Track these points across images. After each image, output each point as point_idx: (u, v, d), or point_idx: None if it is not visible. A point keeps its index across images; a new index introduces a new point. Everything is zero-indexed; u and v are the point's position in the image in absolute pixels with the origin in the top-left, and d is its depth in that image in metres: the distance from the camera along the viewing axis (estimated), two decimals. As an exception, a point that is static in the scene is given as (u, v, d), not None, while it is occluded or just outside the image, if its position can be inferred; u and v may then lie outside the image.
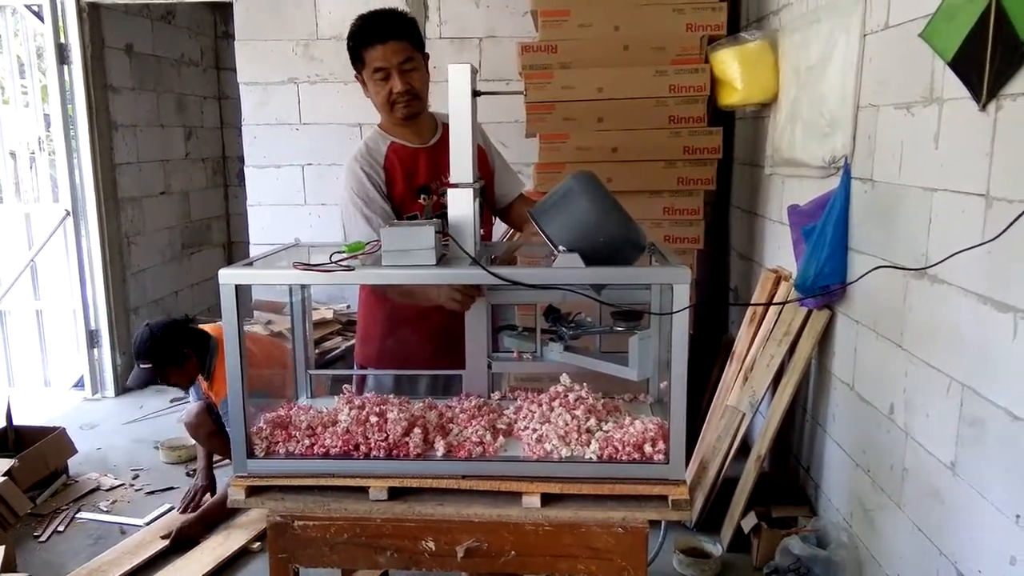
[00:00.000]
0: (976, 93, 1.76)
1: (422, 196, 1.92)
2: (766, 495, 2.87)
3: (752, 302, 3.29)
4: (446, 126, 2.10)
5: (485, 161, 2.36)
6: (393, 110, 2.19)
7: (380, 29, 2.13)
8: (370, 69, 2.15)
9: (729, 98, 3.22)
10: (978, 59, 1.74)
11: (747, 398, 2.95)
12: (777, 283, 3.07)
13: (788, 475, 3.11)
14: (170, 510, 3.32)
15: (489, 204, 2.38)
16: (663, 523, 2.61)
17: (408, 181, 2.21)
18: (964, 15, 1.79)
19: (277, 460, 1.70)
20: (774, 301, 3.03)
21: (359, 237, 2.05)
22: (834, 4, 2.59)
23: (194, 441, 3.69)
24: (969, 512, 1.81)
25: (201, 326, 3.21)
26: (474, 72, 1.74)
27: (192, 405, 3.46)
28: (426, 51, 2.24)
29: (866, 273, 2.18)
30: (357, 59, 2.18)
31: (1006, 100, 1.66)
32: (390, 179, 2.21)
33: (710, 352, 3.87)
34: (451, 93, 1.72)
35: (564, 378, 1.89)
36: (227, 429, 3.04)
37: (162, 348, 2.99)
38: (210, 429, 3.28)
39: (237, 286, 1.65)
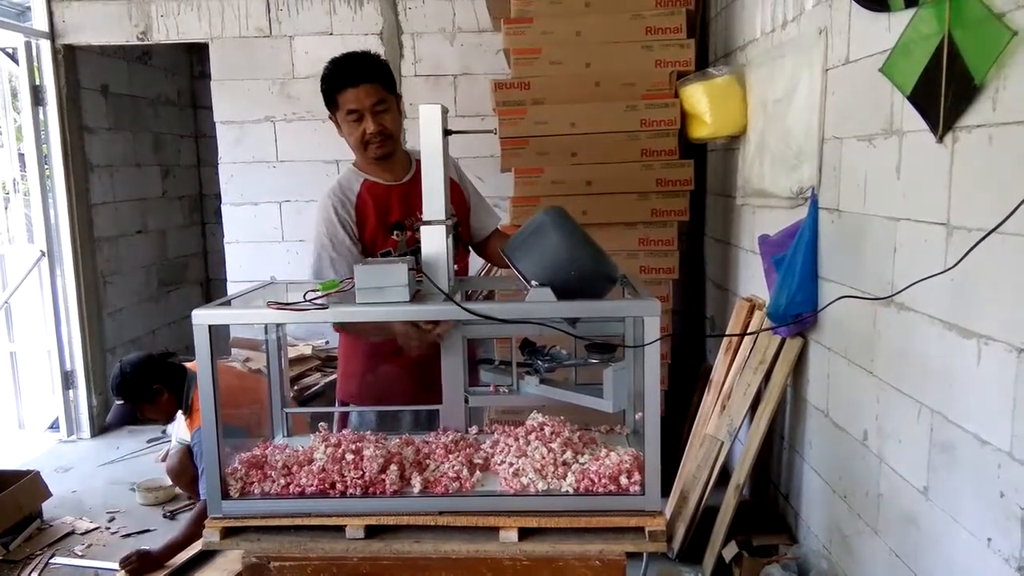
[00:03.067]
0: (933, 125, 1.81)
1: (395, 232, 1.94)
2: (747, 523, 2.88)
3: (727, 331, 3.33)
4: (420, 163, 2.15)
5: (461, 196, 2.39)
6: (367, 150, 2.23)
7: (353, 73, 2.17)
8: (344, 111, 2.19)
9: (699, 131, 3.29)
10: (934, 93, 1.80)
11: (725, 426, 2.97)
12: (751, 311, 3.11)
13: (768, 503, 3.12)
14: (146, 553, 3.26)
15: (464, 239, 2.41)
16: (645, 555, 2.61)
17: (381, 218, 2.23)
18: (920, 51, 1.85)
19: (252, 500, 1.70)
20: (748, 329, 3.07)
21: (324, 277, 2.10)
22: (797, 40, 2.66)
23: (170, 483, 3.66)
24: (943, 536, 1.83)
25: (184, 363, 3.18)
26: (445, 111, 1.77)
27: (174, 450, 3.41)
28: (398, 92, 2.29)
29: (831, 303, 2.22)
30: (331, 102, 2.22)
31: (961, 132, 1.72)
32: (362, 217, 2.24)
33: (689, 381, 3.89)
34: (422, 132, 1.75)
35: (534, 415, 1.90)
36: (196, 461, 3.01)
37: (133, 385, 2.97)
38: (192, 475, 3.22)
39: (211, 326, 1.65)
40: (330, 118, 2.28)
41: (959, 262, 1.62)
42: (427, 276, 1.74)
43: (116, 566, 3.14)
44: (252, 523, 1.68)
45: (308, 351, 4.48)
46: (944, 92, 1.75)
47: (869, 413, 2.19)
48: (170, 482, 3.67)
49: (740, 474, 2.83)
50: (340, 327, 2.32)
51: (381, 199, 2.26)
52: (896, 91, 1.97)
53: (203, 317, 1.64)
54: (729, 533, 2.82)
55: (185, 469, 3.23)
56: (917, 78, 1.86)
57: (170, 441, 4.42)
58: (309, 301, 1.65)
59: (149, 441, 4.64)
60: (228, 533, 1.68)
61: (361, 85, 2.16)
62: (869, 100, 2.13)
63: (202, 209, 6.49)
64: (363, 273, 1.65)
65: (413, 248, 2.09)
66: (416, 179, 2.25)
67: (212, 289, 6.49)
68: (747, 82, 3.19)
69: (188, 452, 3.24)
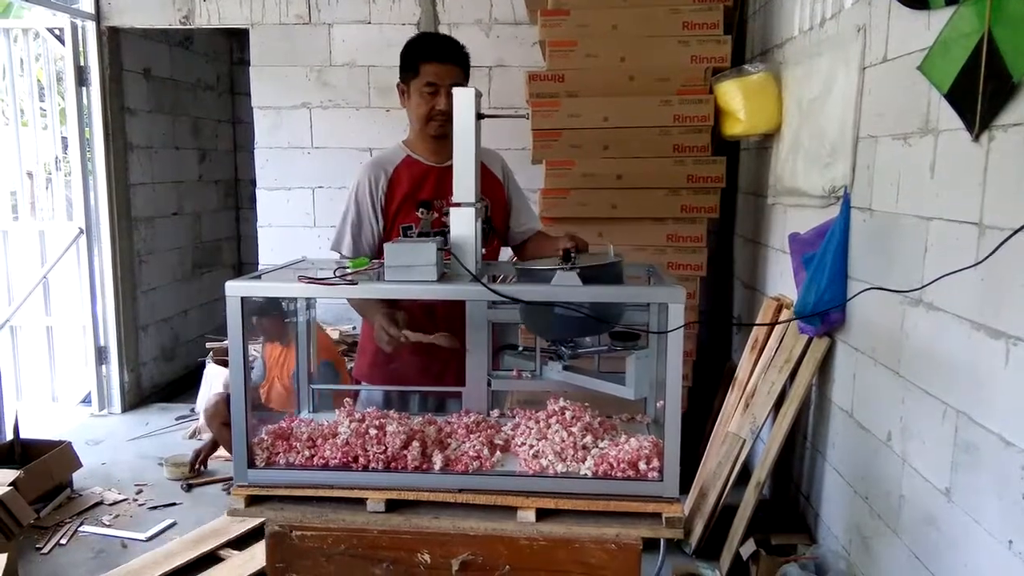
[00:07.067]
0: (970, 124, 1.80)
1: (421, 210, 1.97)
2: (766, 522, 2.87)
3: (754, 326, 3.31)
4: None
5: (502, 194, 2.43)
6: (428, 126, 2.28)
7: (444, 49, 2.25)
8: (422, 81, 2.24)
9: (732, 128, 3.27)
10: (972, 91, 1.78)
11: (748, 424, 2.96)
12: (779, 311, 3.10)
13: (788, 502, 3.11)
14: (172, 525, 3.34)
15: (500, 234, 2.44)
16: (662, 548, 2.61)
17: (411, 193, 2.28)
18: (959, 49, 1.84)
19: (277, 470, 1.73)
20: (775, 330, 3.05)
21: (343, 239, 2.28)
22: (835, 38, 2.65)
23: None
24: (963, 538, 1.81)
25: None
26: (478, 95, 1.79)
27: (215, 395, 3.80)
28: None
29: (857, 294, 2.21)
30: (411, 67, 2.26)
31: (998, 131, 1.70)
32: (392, 190, 2.29)
33: (713, 379, 3.88)
34: (455, 115, 1.77)
35: (552, 400, 1.92)
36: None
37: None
38: (224, 419, 3.57)
39: (243, 299, 1.68)
40: (399, 84, 2.33)
41: (986, 258, 1.61)
42: (455, 257, 1.76)
43: (142, 536, 3.23)
44: (276, 492, 1.72)
45: (335, 336, 4.53)
46: (982, 90, 1.74)
47: (894, 414, 2.18)
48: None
49: (761, 472, 2.82)
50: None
51: (417, 176, 2.30)
52: (933, 89, 1.96)
53: (235, 289, 1.68)
54: (748, 531, 2.81)
55: (219, 412, 3.62)
56: (955, 76, 1.85)
57: (198, 419, 4.52)
58: (339, 276, 1.68)
59: (178, 418, 4.74)
60: (252, 501, 1.71)
61: (447, 63, 2.23)
62: (906, 98, 2.12)
63: (237, 194, 6.58)
64: (392, 251, 1.67)
65: (437, 231, 2.12)
66: None
67: (244, 273, 6.56)
68: (783, 80, 3.17)
69: (225, 399, 3.55)
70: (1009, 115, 1.66)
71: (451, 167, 2.31)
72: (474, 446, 1.75)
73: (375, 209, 2.29)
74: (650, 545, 2.06)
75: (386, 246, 1.68)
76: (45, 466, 3.48)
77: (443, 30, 4.47)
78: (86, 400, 4.95)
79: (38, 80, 4.91)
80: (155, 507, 3.54)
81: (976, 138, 1.77)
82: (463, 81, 2.28)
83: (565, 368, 1.92)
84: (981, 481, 1.75)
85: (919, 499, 2.03)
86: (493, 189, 2.38)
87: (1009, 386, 1.64)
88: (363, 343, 2.47)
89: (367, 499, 1.67)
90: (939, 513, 1.92)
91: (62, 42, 4.60)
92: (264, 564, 2.88)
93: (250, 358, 4.31)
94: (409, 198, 2.27)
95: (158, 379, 5.33)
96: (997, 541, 1.68)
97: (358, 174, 2.32)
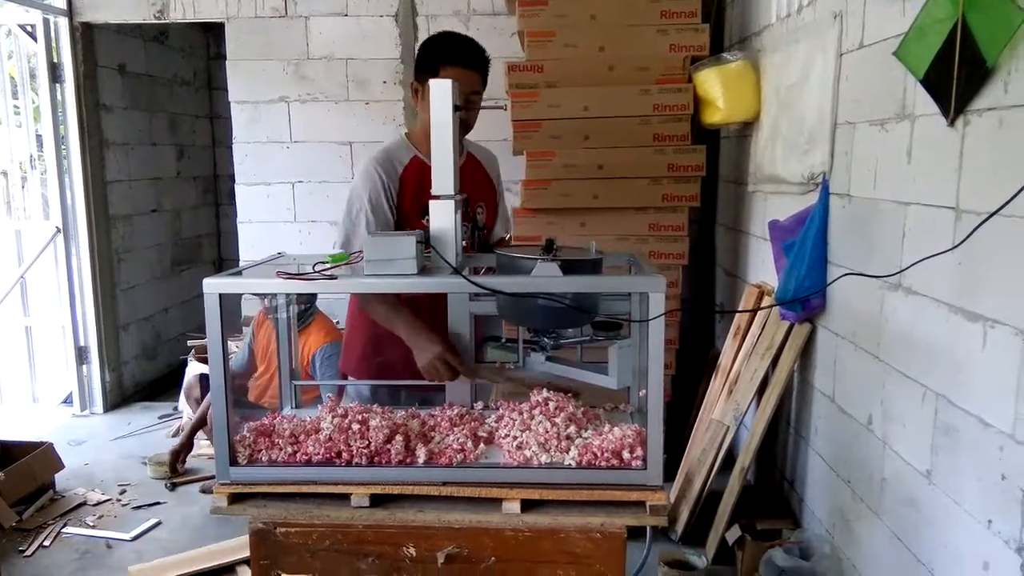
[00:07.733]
0: (945, 109, 1.81)
1: (425, 217, 1.94)
2: (750, 508, 2.89)
3: (736, 313, 3.33)
4: (470, 154, 2.16)
5: (493, 198, 2.42)
6: None
7: (469, 55, 2.19)
8: None
9: (712, 117, 3.28)
10: (947, 76, 1.79)
11: (731, 411, 2.98)
12: (760, 298, 3.11)
13: (772, 487, 3.13)
14: (156, 525, 3.32)
15: (487, 231, 2.43)
16: (648, 536, 2.62)
17: (418, 198, 2.21)
18: (934, 34, 1.85)
19: (260, 467, 1.72)
20: (756, 311, 3.07)
21: (358, 238, 2.13)
22: (812, 25, 2.66)
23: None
24: (944, 519, 1.84)
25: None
26: (455, 86, 1.78)
27: (194, 375, 4.19)
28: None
29: (836, 279, 2.23)
30: (429, 69, 2.17)
31: (972, 116, 1.71)
32: (402, 191, 2.23)
33: (697, 367, 3.90)
34: (433, 108, 1.76)
35: (535, 391, 1.92)
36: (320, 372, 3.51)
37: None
38: (198, 395, 4.01)
39: (222, 296, 1.67)
40: (413, 83, 2.25)
41: (963, 242, 1.63)
42: (435, 250, 1.75)
43: (126, 536, 3.21)
44: (259, 489, 1.71)
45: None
46: (957, 75, 1.75)
47: (875, 397, 2.20)
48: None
49: (745, 458, 2.84)
50: (362, 307, 2.31)
51: (425, 178, 2.25)
52: (909, 75, 1.97)
53: (214, 286, 1.66)
54: (733, 517, 2.83)
55: (194, 386, 4.10)
56: (930, 62, 1.86)
57: (181, 418, 4.49)
58: (318, 272, 1.67)
59: (160, 417, 4.71)
60: (235, 499, 1.70)
61: (469, 69, 2.17)
62: (882, 84, 2.13)
63: (216, 190, 6.52)
64: (372, 245, 1.66)
65: None
66: (464, 168, 2.22)
67: (225, 269, 6.51)
68: (761, 68, 3.18)
69: (201, 377, 4.02)
70: (983, 100, 1.67)
71: (460, 168, 2.30)
72: (458, 439, 1.74)
73: (391, 206, 2.21)
74: (636, 533, 2.07)
75: (364, 240, 1.67)
76: (27, 467, 3.44)
77: (421, 22, 4.44)
78: (67, 400, 4.90)
79: (11, 77, 4.83)
80: (139, 507, 3.52)
81: (952, 123, 1.78)
82: (482, 88, 2.22)
83: (548, 359, 1.92)
84: (961, 463, 1.77)
85: (900, 481, 2.05)
86: (488, 192, 2.37)
87: (987, 368, 1.66)
88: (349, 338, 2.44)
89: (351, 494, 1.67)
90: (920, 495, 1.94)
91: (34, 39, 4.53)
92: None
93: (230, 352, 4.36)
94: (416, 202, 2.19)
95: (140, 378, 5.29)
96: (976, 521, 1.70)
97: (367, 172, 2.22)
